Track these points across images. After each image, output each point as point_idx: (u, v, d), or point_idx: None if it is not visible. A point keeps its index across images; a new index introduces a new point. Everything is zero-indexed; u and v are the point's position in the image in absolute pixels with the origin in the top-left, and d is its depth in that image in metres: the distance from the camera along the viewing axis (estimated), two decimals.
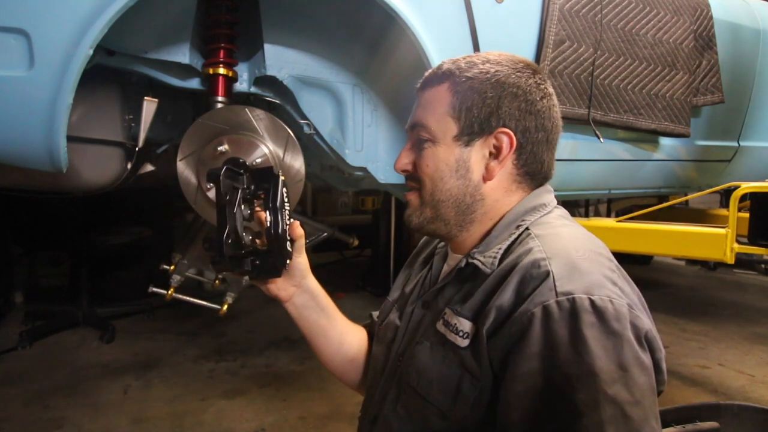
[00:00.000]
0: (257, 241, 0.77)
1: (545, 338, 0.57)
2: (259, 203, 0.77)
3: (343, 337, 0.91)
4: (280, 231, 0.74)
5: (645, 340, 0.58)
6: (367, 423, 0.82)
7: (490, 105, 0.70)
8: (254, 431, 2.02)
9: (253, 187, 0.76)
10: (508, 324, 0.60)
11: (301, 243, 0.82)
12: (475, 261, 0.69)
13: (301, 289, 0.84)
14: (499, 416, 0.60)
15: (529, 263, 0.62)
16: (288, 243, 0.76)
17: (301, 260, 0.82)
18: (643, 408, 0.55)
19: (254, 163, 1.18)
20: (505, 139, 0.70)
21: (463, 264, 0.71)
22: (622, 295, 0.59)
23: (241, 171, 0.74)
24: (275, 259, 0.75)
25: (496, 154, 0.71)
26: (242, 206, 0.74)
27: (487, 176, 0.72)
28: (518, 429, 0.58)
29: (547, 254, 0.62)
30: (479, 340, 0.63)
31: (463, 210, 0.73)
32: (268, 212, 0.74)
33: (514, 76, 0.71)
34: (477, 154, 0.71)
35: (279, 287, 0.83)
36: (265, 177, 0.76)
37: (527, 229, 0.69)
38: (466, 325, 0.66)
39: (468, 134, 0.71)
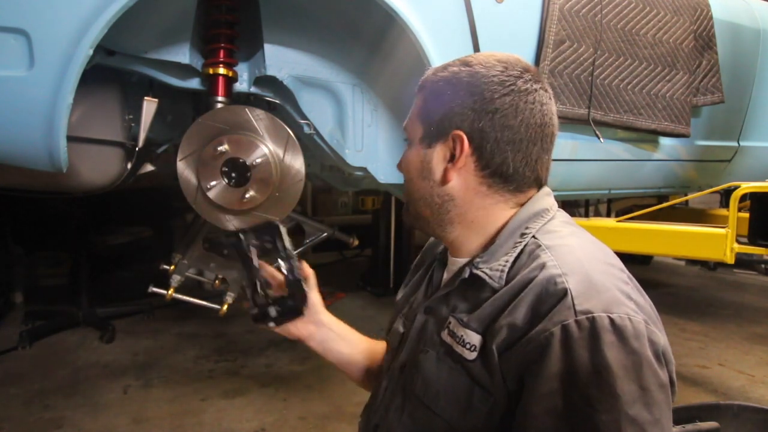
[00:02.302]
0: (270, 291, 0.87)
1: (565, 359, 0.56)
2: (266, 256, 0.86)
3: (371, 356, 0.96)
4: (295, 275, 0.84)
5: (662, 355, 0.58)
6: (368, 431, 0.81)
7: (444, 106, 0.69)
8: (254, 431, 2.02)
9: (257, 242, 0.86)
10: (524, 342, 0.59)
11: (312, 281, 0.91)
12: (479, 272, 0.67)
13: (318, 325, 0.93)
14: None
15: (544, 280, 0.60)
16: (303, 283, 0.86)
17: (313, 296, 0.92)
18: (662, 426, 0.55)
19: (254, 163, 1.18)
20: (457, 140, 0.69)
21: (466, 275, 0.69)
22: (638, 311, 0.58)
23: (241, 236, 0.85)
24: (296, 301, 0.85)
25: (452, 156, 0.70)
26: (256, 264, 0.85)
27: (444, 179, 0.71)
28: None
29: (562, 270, 0.60)
30: (489, 354, 0.62)
31: (437, 210, 0.73)
32: (281, 261, 0.84)
33: (477, 75, 0.68)
34: (438, 156, 0.71)
35: (299, 328, 0.91)
36: (267, 230, 0.87)
37: (534, 237, 0.67)
38: (473, 337, 0.64)
39: (428, 136, 0.72)
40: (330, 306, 3.74)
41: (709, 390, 2.45)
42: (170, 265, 1.43)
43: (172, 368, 2.59)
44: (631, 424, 0.53)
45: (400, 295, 0.90)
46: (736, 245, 1.86)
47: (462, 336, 0.65)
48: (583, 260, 0.62)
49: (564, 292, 0.58)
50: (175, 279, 1.41)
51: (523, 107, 0.68)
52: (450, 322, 0.68)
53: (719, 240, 1.88)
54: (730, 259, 1.86)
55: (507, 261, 0.66)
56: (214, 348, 2.87)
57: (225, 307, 1.44)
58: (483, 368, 0.62)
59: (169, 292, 1.38)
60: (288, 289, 0.85)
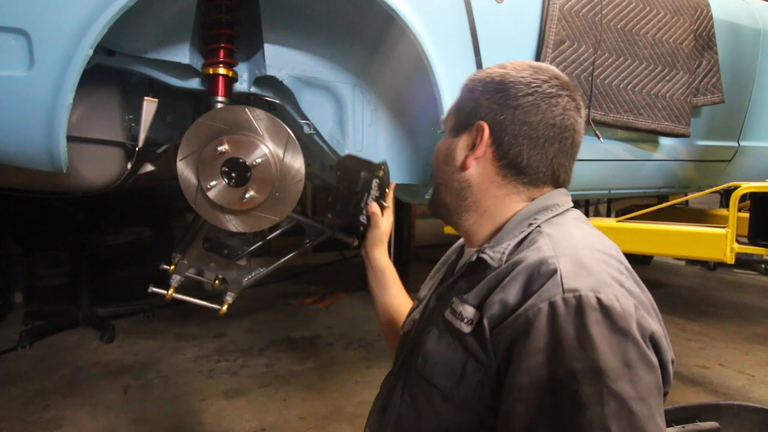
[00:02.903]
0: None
1: (551, 333, 0.58)
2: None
3: (390, 307, 1.10)
4: (360, 206, 1.15)
5: (651, 341, 0.59)
6: (376, 413, 0.85)
7: (474, 101, 0.77)
8: (254, 431, 2.02)
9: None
10: (513, 318, 0.61)
11: (375, 220, 1.13)
12: (484, 255, 0.71)
13: (367, 256, 1.14)
14: (503, 408, 0.61)
15: (537, 261, 0.63)
16: (362, 214, 1.15)
17: (372, 233, 1.14)
18: (648, 405, 0.56)
19: (254, 163, 1.18)
20: (479, 130, 0.75)
21: (473, 258, 0.73)
22: (628, 296, 0.60)
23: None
24: (348, 216, 1.17)
25: (473, 145, 0.77)
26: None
27: (464, 164, 0.77)
28: (521, 420, 0.58)
29: (555, 252, 0.63)
30: (482, 327, 0.65)
31: (456, 195, 0.79)
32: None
33: (508, 75, 0.75)
34: (462, 144, 0.78)
35: (362, 247, 1.16)
36: (375, 168, 1.17)
37: (539, 227, 0.70)
38: (469, 311, 0.68)
39: (457, 126, 0.80)
40: (330, 306, 3.74)
41: (709, 390, 2.45)
42: (170, 265, 1.43)
43: (172, 368, 2.59)
44: (614, 399, 0.54)
45: (423, 290, 0.95)
46: (736, 245, 1.86)
47: (461, 311, 0.69)
48: (578, 246, 0.65)
49: (553, 271, 0.61)
50: (175, 279, 1.41)
51: (545, 108, 0.73)
52: (453, 302, 0.72)
53: (719, 240, 1.88)
54: (730, 259, 1.86)
55: (509, 244, 0.70)
56: (214, 348, 2.87)
57: (225, 307, 1.44)
58: (476, 341, 0.65)
59: (169, 292, 1.38)
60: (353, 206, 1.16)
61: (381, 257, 1.13)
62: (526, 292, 0.62)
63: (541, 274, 0.61)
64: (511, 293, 0.63)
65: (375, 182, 1.14)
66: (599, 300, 0.57)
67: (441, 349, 0.71)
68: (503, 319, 0.62)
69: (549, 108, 0.73)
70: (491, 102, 0.74)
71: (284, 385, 2.41)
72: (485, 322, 0.64)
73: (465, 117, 0.78)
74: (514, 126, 0.73)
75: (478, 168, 0.76)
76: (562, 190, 0.77)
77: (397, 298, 1.11)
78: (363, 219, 1.14)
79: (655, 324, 0.61)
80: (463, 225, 0.80)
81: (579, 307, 0.57)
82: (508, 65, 0.77)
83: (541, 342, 0.58)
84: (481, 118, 0.75)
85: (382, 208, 1.15)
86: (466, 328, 0.67)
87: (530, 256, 0.64)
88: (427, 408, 0.71)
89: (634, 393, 0.55)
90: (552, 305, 0.58)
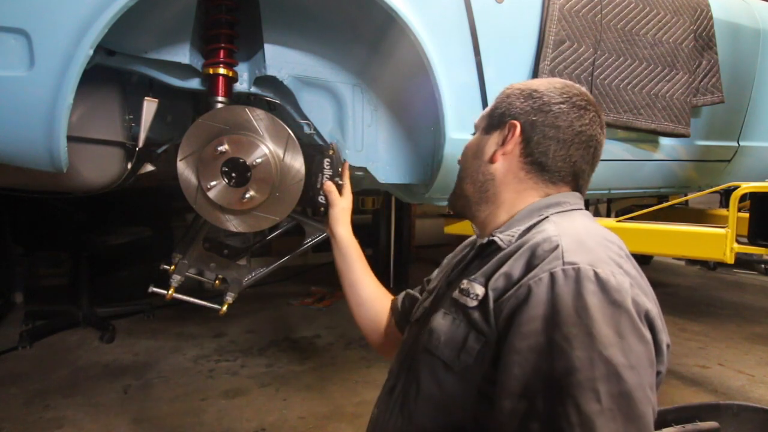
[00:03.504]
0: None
1: (549, 301, 0.62)
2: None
3: (356, 284, 1.13)
4: (317, 184, 1.20)
5: (646, 319, 0.62)
6: (385, 394, 0.88)
7: (509, 103, 0.84)
8: (254, 431, 2.02)
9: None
10: (516, 288, 0.66)
11: (331, 198, 1.17)
12: (494, 237, 0.77)
13: (332, 234, 1.17)
14: (500, 371, 0.65)
15: (541, 239, 0.69)
16: (320, 195, 1.19)
17: (331, 212, 1.17)
18: (639, 374, 0.59)
19: (254, 163, 1.18)
20: (511, 128, 0.81)
21: (485, 241, 0.79)
22: (625, 275, 0.63)
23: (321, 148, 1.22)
24: (310, 197, 1.20)
25: (504, 141, 0.83)
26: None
27: (492, 158, 0.83)
28: (517, 382, 0.62)
29: (559, 232, 0.69)
30: (486, 300, 0.69)
31: (478, 187, 0.85)
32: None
33: (542, 85, 0.82)
34: (492, 140, 0.85)
35: (326, 227, 1.20)
36: (324, 147, 1.23)
37: (547, 217, 0.76)
38: (478, 288, 0.72)
39: (490, 125, 0.86)
40: (329, 306, 3.74)
41: (709, 390, 2.45)
42: (170, 265, 1.43)
43: (172, 368, 2.59)
44: (605, 364, 0.58)
45: (433, 282, 0.98)
46: (736, 245, 1.86)
47: (468, 289, 0.74)
48: (581, 231, 0.70)
49: (556, 247, 0.66)
50: (175, 279, 1.41)
51: (574, 116, 0.80)
52: (462, 283, 0.76)
53: (719, 240, 1.88)
54: (730, 259, 1.86)
55: (519, 229, 0.76)
56: (214, 348, 2.87)
57: (225, 307, 1.44)
58: (480, 314, 0.70)
59: (169, 292, 1.38)
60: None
61: (344, 234, 1.15)
62: (529, 266, 0.67)
63: (544, 250, 0.66)
64: (516, 268, 0.68)
65: (326, 162, 1.19)
66: (596, 273, 0.61)
67: (446, 323, 0.75)
68: (506, 290, 0.67)
69: (578, 117, 0.80)
70: (525, 105, 0.81)
71: (284, 385, 2.41)
72: (490, 294, 0.69)
73: (498, 117, 0.84)
74: (544, 127, 0.79)
75: (504, 163, 0.82)
76: (577, 194, 0.83)
77: (362, 275, 1.13)
78: (321, 199, 1.19)
79: (650, 304, 0.64)
80: (479, 216, 0.86)
81: (577, 278, 0.61)
82: (543, 79, 0.86)
83: (541, 309, 0.62)
84: (514, 117, 0.82)
85: (339, 186, 1.19)
86: (472, 303, 0.71)
87: (536, 237, 0.70)
88: (431, 380, 0.74)
89: (624, 361, 0.58)
90: (552, 275, 0.63)
